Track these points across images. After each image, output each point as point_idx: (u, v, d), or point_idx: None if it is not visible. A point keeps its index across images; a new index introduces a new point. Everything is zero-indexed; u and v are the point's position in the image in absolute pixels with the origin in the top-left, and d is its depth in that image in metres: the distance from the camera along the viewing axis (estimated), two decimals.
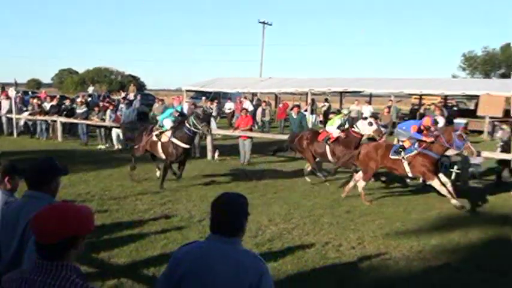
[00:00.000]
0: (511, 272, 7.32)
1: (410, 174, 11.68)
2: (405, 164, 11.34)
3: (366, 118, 13.62)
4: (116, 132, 19.83)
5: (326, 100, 36.32)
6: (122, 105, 21.66)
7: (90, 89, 41.00)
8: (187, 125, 11.90)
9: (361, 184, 11.49)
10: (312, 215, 10.13)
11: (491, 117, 27.33)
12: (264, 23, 47.57)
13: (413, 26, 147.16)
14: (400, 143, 12.09)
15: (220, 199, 3.11)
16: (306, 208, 10.68)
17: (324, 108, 34.88)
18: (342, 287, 6.57)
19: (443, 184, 11.00)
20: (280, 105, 32.63)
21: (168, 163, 12.51)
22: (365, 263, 7.50)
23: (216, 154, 17.79)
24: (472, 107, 31.77)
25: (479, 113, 28.10)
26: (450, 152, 12.81)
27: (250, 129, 17.82)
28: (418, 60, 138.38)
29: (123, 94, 32.03)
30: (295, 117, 18.52)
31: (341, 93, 36.46)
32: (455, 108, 33.60)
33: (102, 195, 11.31)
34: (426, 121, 12.07)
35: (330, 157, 13.15)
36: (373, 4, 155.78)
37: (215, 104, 27.36)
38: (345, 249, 8.08)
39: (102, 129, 20.68)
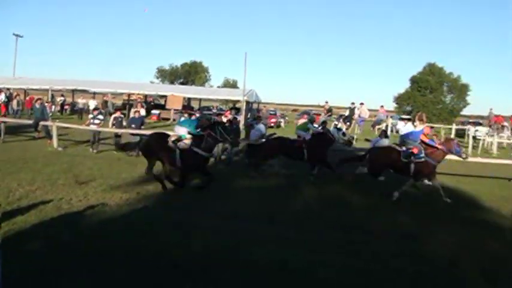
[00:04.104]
0: (208, 211, 7.60)
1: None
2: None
3: (337, 127, 12.03)
4: None
5: (62, 95, 33.20)
6: None
7: None
8: (212, 134, 8.55)
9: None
10: (51, 179, 9.18)
11: (175, 110, 28.73)
12: (16, 35, 40.17)
13: (145, 45, 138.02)
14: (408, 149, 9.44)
15: None
16: (47, 174, 9.63)
17: (61, 102, 32.21)
18: (72, 229, 6.14)
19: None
20: (27, 98, 28.77)
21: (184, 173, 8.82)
22: (89, 210, 7.13)
23: None
24: (163, 103, 32.76)
25: (167, 106, 29.69)
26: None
27: (5, 115, 15.39)
28: (127, 69, 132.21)
29: None
30: (38, 107, 16.46)
31: (73, 91, 33.76)
32: (152, 103, 34.14)
33: None
34: (426, 130, 10.10)
35: (305, 156, 10.93)
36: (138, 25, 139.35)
37: None
38: (74, 202, 7.55)
39: None
